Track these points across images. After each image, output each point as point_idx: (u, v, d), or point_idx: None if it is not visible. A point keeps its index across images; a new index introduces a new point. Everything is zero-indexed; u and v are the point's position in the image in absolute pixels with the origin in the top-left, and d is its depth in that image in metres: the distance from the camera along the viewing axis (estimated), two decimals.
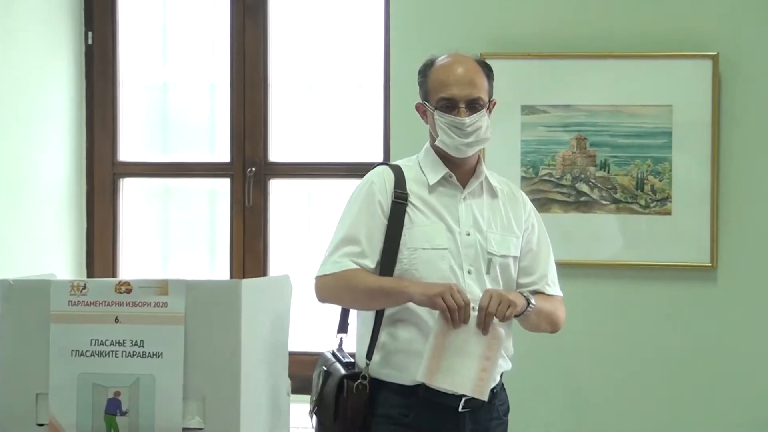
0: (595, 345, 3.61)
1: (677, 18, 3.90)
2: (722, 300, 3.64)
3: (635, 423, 3.67)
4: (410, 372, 2.60)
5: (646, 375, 3.63)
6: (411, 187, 2.74)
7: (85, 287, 2.63)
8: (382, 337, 2.69)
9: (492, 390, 2.63)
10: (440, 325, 2.52)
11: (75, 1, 4.16)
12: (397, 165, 2.80)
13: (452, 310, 2.48)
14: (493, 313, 2.51)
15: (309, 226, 4.38)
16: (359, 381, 2.67)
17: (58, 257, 4.16)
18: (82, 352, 2.58)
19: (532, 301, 2.64)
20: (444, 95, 2.64)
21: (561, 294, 2.83)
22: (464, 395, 2.58)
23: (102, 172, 4.27)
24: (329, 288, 2.70)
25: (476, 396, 2.55)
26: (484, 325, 2.54)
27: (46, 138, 4.05)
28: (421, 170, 2.76)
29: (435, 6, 3.89)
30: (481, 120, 2.65)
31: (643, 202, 3.58)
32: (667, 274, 3.60)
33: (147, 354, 2.55)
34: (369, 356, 2.69)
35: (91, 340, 2.58)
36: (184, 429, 2.59)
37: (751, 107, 3.86)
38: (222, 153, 4.22)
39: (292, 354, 2.88)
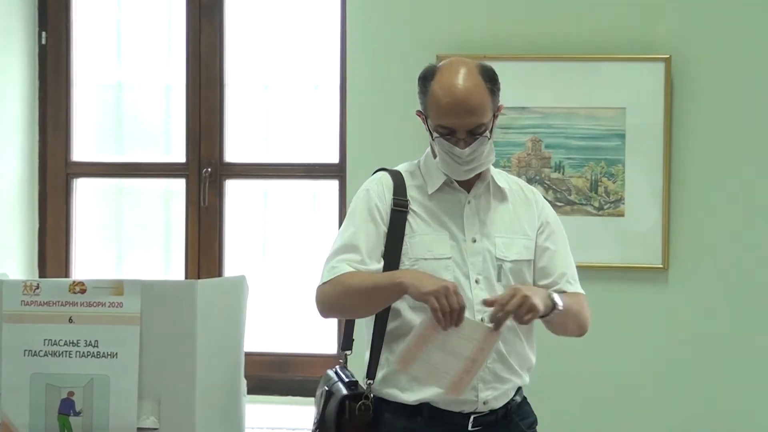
0: (545, 345, 3.66)
1: (631, 21, 3.92)
2: (673, 301, 3.68)
3: (585, 423, 3.71)
4: (413, 391, 2.53)
5: (597, 375, 3.67)
6: (412, 193, 2.64)
7: (38, 287, 2.60)
8: (384, 354, 2.60)
9: (506, 405, 2.57)
10: (429, 319, 2.40)
11: (29, 0, 4.15)
12: (397, 170, 2.69)
13: (443, 312, 2.35)
14: (511, 312, 2.39)
15: (265, 227, 4.38)
16: (361, 402, 2.58)
17: (10, 257, 4.15)
18: (35, 352, 2.55)
19: (559, 304, 2.51)
20: (442, 123, 2.51)
21: (583, 292, 2.70)
22: (472, 413, 2.51)
23: (55, 172, 4.27)
24: (327, 297, 2.58)
25: (450, 394, 2.44)
26: (497, 322, 2.41)
27: None
28: (422, 175, 2.65)
29: (390, 9, 3.90)
30: (481, 147, 2.52)
31: (596, 204, 3.59)
32: (619, 276, 3.62)
33: (101, 354, 2.52)
34: (371, 375, 2.60)
35: (45, 340, 2.55)
36: (138, 429, 2.57)
37: (702, 110, 3.88)
38: (177, 153, 4.22)
39: (247, 354, 2.83)
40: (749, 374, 3.85)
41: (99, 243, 4.51)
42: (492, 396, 2.53)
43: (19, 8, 4.03)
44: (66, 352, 2.57)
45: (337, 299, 2.55)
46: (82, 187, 4.38)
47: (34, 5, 4.10)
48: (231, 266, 4.19)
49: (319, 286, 2.55)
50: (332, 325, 4.06)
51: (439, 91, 2.49)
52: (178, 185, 4.20)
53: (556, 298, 2.49)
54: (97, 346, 2.53)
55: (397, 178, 2.64)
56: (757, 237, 3.86)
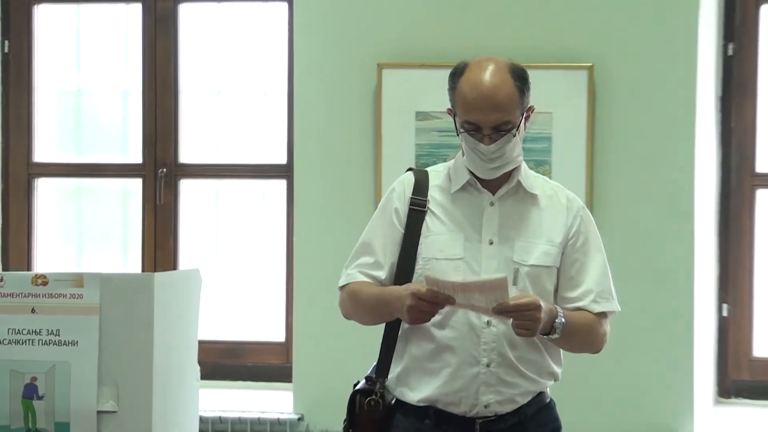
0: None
1: (556, 31, 4.04)
2: None
3: None
4: (421, 391, 2.48)
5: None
6: (433, 193, 2.57)
7: (2, 280, 2.71)
8: (398, 351, 2.56)
9: (517, 412, 2.49)
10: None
11: None
12: (424, 170, 2.63)
13: (425, 319, 2.32)
14: (514, 309, 2.31)
15: (217, 224, 4.44)
16: (371, 398, 2.53)
17: None
18: None
19: (556, 333, 2.39)
20: (468, 119, 2.45)
21: (614, 309, 2.57)
22: (476, 417, 2.45)
23: (17, 172, 4.31)
24: (343, 306, 2.59)
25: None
26: (500, 312, 2.31)
27: None
28: (448, 176, 2.59)
29: (336, 18, 3.97)
30: (507, 144, 2.45)
31: None
32: None
33: (63, 342, 2.62)
34: (383, 372, 2.57)
35: (8, 329, 2.65)
36: (98, 412, 2.67)
37: (622, 116, 3.99)
38: (134, 154, 4.27)
39: (201, 342, 2.90)
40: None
41: (59, 239, 4.53)
42: (495, 400, 2.47)
43: None
44: (29, 340, 2.65)
45: (353, 310, 2.55)
46: (44, 187, 4.41)
47: None
48: (185, 261, 4.23)
49: (340, 289, 2.55)
50: (281, 314, 4.16)
51: (466, 87, 2.45)
52: (135, 185, 4.25)
53: (561, 318, 2.42)
54: (59, 335, 2.62)
55: (421, 178, 2.59)
56: (673, 230, 3.94)
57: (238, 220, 4.47)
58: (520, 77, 2.44)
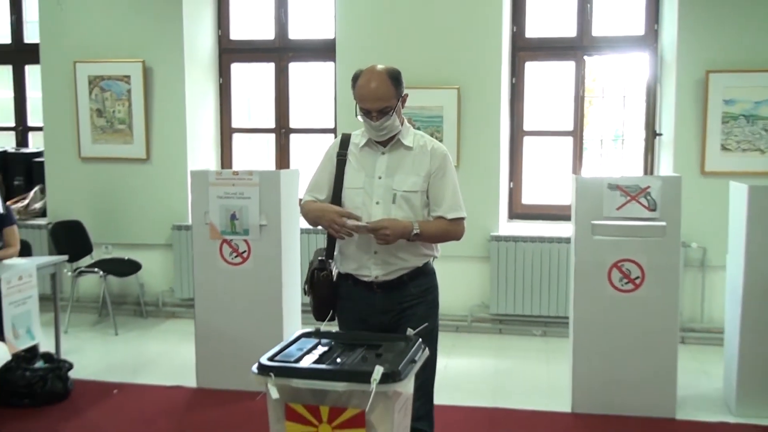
0: None
1: (435, 62, 5.92)
2: None
3: None
4: (344, 266, 2.99)
5: None
6: (351, 148, 2.97)
7: (220, 174, 4.51)
8: (336, 244, 3.02)
9: (400, 277, 2.94)
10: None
11: None
12: (349, 133, 3.03)
13: (337, 234, 2.83)
14: (370, 230, 2.82)
15: None
16: (323, 272, 3.01)
17: None
18: (222, 197, 4.47)
19: (414, 233, 2.85)
20: (362, 106, 2.84)
21: (461, 215, 2.96)
22: (373, 282, 2.95)
23: None
24: (303, 214, 3.02)
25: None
26: (367, 231, 2.83)
27: None
28: (359, 136, 2.99)
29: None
30: (387, 121, 2.83)
31: None
32: None
33: (244, 197, 4.46)
34: (329, 255, 3.04)
35: (224, 192, 4.49)
36: (260, 225, 4.51)
37: (478, 117, 5.98)
38: None
39: None
40: None
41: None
42: (382, 273, 2.95)
43: None
44: (233, 195, 4.54)
45: (305, 218, 2.99)
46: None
47: None
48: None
49: (300, 205, 3.04)
50: None
51: (359, 88, 2.83)
52: None
53: (416, 230, 2.85)
54: (243, 195, 4.47)
55: (345, 138, 3.01)
56: (491, 159, 5.87)
57: None
58: (394, 78, 2.83)
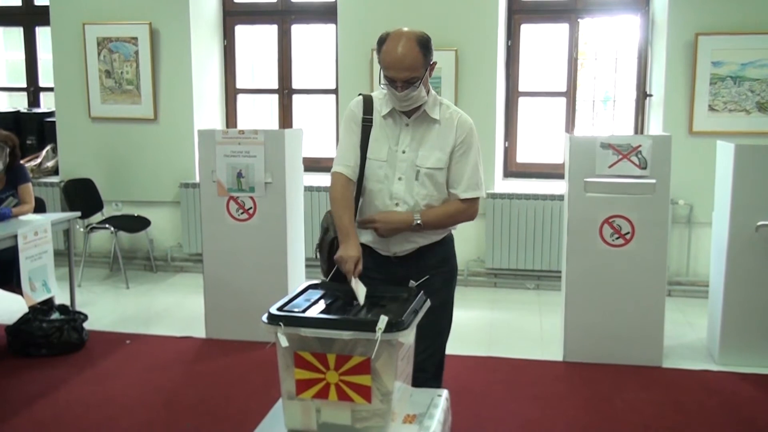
0: None
1: (434, 24, 5.67)
2: None
3: None
4: (363, 237, 2.72)
5: None
6: (374, 114, 2.69)
7: (227, 132, 4.56)
8: (359, 214, 2.74)
9: (418, 249, 2.73)
10: None
11: None
12: (369, 95, 2.72)
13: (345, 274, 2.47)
14: (364, 224, 2.68)
15: None
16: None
17: None
18: (228, 155, 4.54)
19: (416, 223, 2.64)
20: (387, 74, 2.53)
21: (477, 194, 2.69)
22: (392, 256, 2.75)
23: None
24: (330, 191, 2.70)
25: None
26: (360, 227, 2.67)
27: None
28: (380, 102, 2.70)
29: None
30: (413, 91, 2.53)
31: None
32: None
33: (250, 156, 4.53)
34: None
35: (231, 151, 4.52)
36: (265, 183, 4.56)
37: (475, 78, 5.96)
38: None
39: None
40: None
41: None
42: (400, 250, 2.76)
43: None
44: (239, 154, 4.57)
45: (331, 199, 2.68)
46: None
47: None
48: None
49: (331, 174, 2.68)
50: None
51: (386, 50, 2.50)
52: None
53: (417, 221, 2.63)
54: (249, 153, 4.50)
55: (368, 100, 2.69)
56: (489, 124, 5.90)
57: None
58: (424, 45, 2.50)
